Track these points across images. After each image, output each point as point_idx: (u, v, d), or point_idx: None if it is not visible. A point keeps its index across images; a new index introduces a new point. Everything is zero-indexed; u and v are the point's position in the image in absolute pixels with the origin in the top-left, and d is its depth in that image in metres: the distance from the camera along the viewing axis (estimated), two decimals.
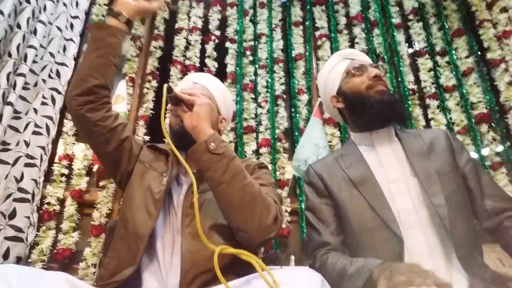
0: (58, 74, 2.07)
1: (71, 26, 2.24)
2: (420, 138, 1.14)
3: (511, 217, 1.00)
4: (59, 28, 2.12)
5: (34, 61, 2.00)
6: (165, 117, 0.94)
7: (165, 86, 0.93)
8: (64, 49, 2.15)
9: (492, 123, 2.11)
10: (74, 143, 2.10)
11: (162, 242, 0.97)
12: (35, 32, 2.01)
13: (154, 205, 0.99)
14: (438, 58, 2.39)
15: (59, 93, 2.05)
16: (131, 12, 1.06)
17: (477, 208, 1.05)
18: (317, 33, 2.54)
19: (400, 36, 2.47)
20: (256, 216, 0.90)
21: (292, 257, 1.67)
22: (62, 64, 2.11)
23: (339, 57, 1.26)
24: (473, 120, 2.14)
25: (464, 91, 2.24)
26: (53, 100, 2.01)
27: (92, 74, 1.00)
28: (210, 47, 2.44)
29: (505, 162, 2.01)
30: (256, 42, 2.51)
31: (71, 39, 2.20)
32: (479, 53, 2.32)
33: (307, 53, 2.50)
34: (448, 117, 2.21)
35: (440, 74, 2.33)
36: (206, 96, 1.10)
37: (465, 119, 2.17)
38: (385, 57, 2.40)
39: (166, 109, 0.99)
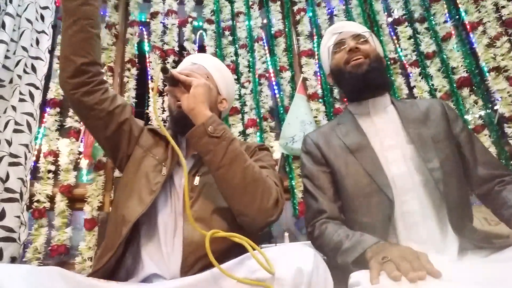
0: (33, 68, 2.00)
1: (42, 17, 2.15)
2: (416, 106, 1.17)
3: (501, 182, 1.04)
4: (28, 20, 2.03)
5: (6, 57, 1.92)
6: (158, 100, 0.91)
7: (160, 66, 0.91)
8: (37, 42, 2.08)
9: (473, 87, 2.13)
10: (58, 138, 2.06)
11: (164, 225, 0.96)
12: (3, 25, 1.92)
13: (149, 194, 0.97)
14: (417, 25, 2.39)
15: (37, 88, 1.99)
16: None
17: (470, 175, 1.08)
18: (295, 8, 2.51)
19: (378, 5, 2.45)
20: (257, 199, 0.90)
21: (286, 234, 1.70)
22: (37, 58, 2.04)
23: (328, 33, 1.27)
24: (455, 85, 2.17)
25: (445, 56, 2.25)
26: (32, 95, 1.95)
27: (76, 52, 0.96)
28: (188, 30, 2.39)
29: (487, 125, 2.05)
30: (234, 22, 2.47)
31: (43, 31, 2.12)
32: (457, 17, 2.32)
33: (286, 29, 2.47)
34: (430, 84, 2.23)
35: (420, 41, 2.34)
36: (204, 76, 1.07)
37: (447, 84, 2.19)
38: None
39: (162, 92, 0.95)
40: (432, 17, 2.36)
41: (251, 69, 2.32)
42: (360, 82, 1.13)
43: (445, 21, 2.31)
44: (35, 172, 1.98)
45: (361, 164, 1.07)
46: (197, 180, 1.01)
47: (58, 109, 2.09)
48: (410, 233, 0.98)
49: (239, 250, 0.82)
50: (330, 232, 1.01)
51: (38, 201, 1.88)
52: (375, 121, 1.15)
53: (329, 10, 2.55)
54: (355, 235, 0.93)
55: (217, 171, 0.90)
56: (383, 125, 1.13)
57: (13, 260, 1.67)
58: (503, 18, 2.10)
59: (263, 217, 0.91)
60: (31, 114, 1.92)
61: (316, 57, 2.41)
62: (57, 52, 2.20)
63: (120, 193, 1.03)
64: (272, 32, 2.45)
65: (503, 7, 2.10)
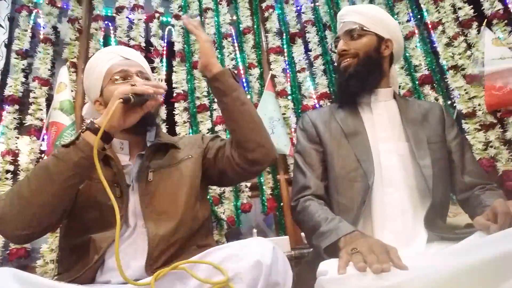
0: None
1: None
2: (417, 106, 1.21)
3: (481, 188, 1.09)
4: None
5: None
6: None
7: (118, 101, 0.82)
8: None
9: (434, 84, 2.22)
10: (17, 137, 1.97)
11: (124, 230, 0.94)
12: None
13: (112, 215, 0.87)
14: None
15: None
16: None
17: (456, 181, 1.13)
18: (264, 5, 2.52)
19: (344, 4, 2.50)
20: (268, 135, 1.06)
21: (255, 231, 1.72)
22: None
23: (338, 19, 1.27)
24: (417, 82, 2.24)
25: (408, 54, 2.33)
26: None
27: (51, 213, 0.87)
28: (155, 25, 2.35)
29: None
30: (202, 18, 2.45)
31: None
32: (419, 16, 2.40)
33: (255, 26, 2.47)
34: None
35: None
36: (137, 72, 1.06)
37: (410, 81, 2.27)
38: (332, 26, 2.43)
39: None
40: (395, 16, 2.43)
41: None
42: (344, 86, 1.18)
43: (408, 20, 2.39)
44: None
45: (353, 149, 1.11)
46: (150, 175, 1.00)
47: (17, 106, 2.01)
48: (385, 223, 1.02)
49: (199, 239, 0.90)
50: (311, 210, 1.04)
51: None
52: (375, 111, 1.18)
53: (297, 7, 2.58)
54: (333, 220, 0.96)
55: (243, 106, 1.02)
56: (381, 117, 1.16)
57: None
58: (460, 19, 2.19)
59: (274, 152, 1.06)
60: None
61: (285, 54, 2.43)
62: (14, 47, 2.10)
63: (78, 224, 0.96)
64: (241, 28, 2.45)
65: (459, 8, 2.19)
